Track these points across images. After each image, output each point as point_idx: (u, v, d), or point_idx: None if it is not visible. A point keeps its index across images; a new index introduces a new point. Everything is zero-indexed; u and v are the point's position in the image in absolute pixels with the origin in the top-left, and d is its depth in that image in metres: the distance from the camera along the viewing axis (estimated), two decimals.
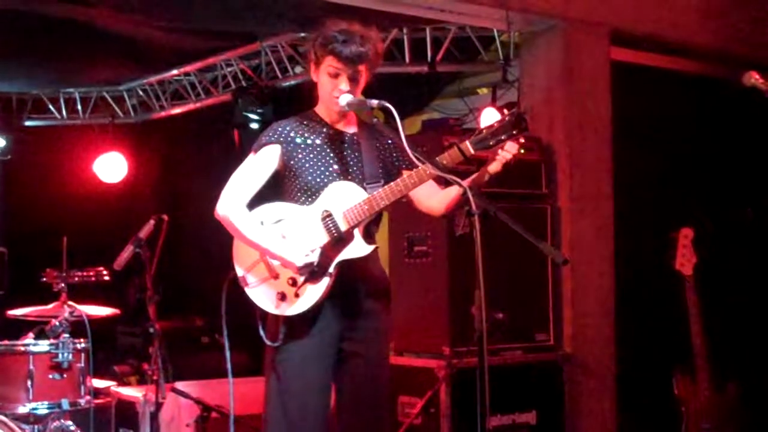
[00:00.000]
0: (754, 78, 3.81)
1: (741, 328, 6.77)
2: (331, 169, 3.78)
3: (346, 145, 3.84)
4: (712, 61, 7.10)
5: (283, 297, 3.67)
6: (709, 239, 6.15)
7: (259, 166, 3.82)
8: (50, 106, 9.50)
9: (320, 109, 3.89)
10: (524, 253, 5.62)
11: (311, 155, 3.79)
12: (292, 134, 3.82)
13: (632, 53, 6.86)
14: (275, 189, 3.87)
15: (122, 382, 7.22)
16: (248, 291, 3.74)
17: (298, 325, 3.71)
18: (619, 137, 6.49)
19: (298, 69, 7.91)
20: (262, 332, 3.75)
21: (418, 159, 3.50)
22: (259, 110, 8.07)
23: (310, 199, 3.75)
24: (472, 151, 3.54)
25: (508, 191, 5.70)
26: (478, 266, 3.21)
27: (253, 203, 3.80)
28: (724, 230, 6.99)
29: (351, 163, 3.80)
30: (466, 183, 3.42)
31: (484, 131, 3.53)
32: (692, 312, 5.85)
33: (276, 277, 3.70)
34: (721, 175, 7.20)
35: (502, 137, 3.51)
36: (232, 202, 3.76)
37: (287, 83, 8.01)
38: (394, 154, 3.90)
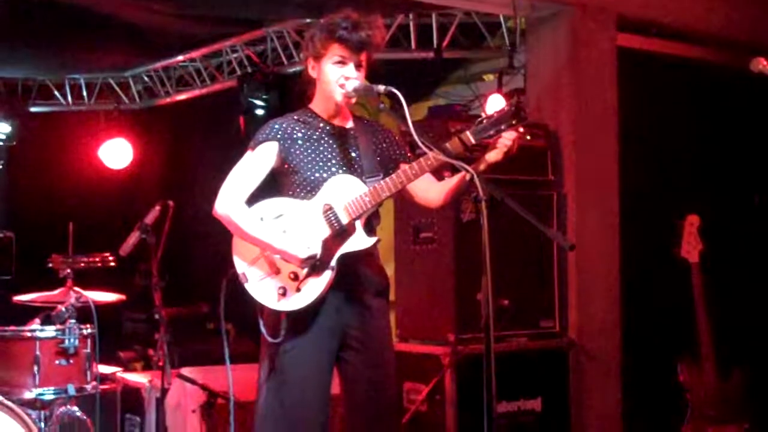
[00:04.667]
0: (762, 64, 3.81)
1: (746, 316, 6.76)
2: (330, 163, 3.77)
3: (343, 140, 3.83)
4: (719, 48, 7.08)
5: (284, 292, 3.66)
6: (715, 226, 6.15)
7: (256, 163, 3.80)
8: (55, 92, 9.50)
9: (316, 105, 3.87)
10: (529, 239, 5.64)
11: (309, 151, 3.78)
12: (289, 131, 3.80)
13: (639, 39, 6.84)
14: (273, 185, 3.86)
15: (128, 368, 7.23)
16: (248, 287, 3.71)
17: (300, 321, 3.70)
18: (625, 123, 6.48)
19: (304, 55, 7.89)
20: (263, 329, 3.74)
21: (426, 146, 3.50)
22: (264, 96, 8.07)
23: (309, 194, 3.74)
24: (473, 141, 3.57)
25: (514, 178, 5.68)
26: (485, 252, 3.21)
27: (250, 200, 3.78)
28: (731, 217, 6.98)
29: (349, 157, 3.80)
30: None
31: (484, 121, 3.57)
32: (698, 299, 5.85)
33: (277, 272, 3.69)
34: (727, 162, 7.19)
35: (502, 127, 3.54)
36: (231, 199, 3.75)
37: (293, 69, 8.00)
38: (392, 149, 3.92)
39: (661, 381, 6.13)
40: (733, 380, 5.85)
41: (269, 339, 3.72)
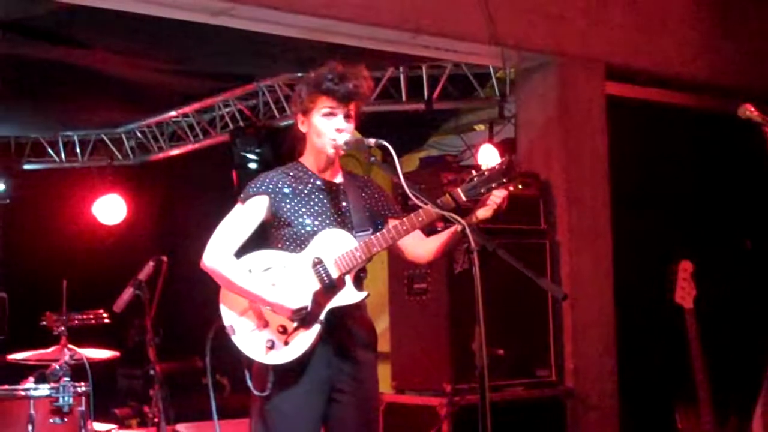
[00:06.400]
0: (749, 110, 3.83)
1: (742, 360, 6.74)
2: (320, 218, 3.77)
3: (333, 194, 3.83)
4: (707, 94, 7.14)
5: (272, 345, 3.64)
6: (708, 271, 6.15)
7: (246, 216, 3.80)
8: (49, 150, 9.54)
9: (307, 160, 3.88)
10: (524, 288, 5.61)
11: (300, 204, 3.78)
12: (279, 184, 3.80)
13: (627, 87, 6.90)
14: (261, 237, 3.86)
15: (123, 426, 7.18)
16: (235, 340, 3.69)
17: (287, 374, 3.67)
18: (616, 170, 6.51)
19: None
20: (249, 382, 3.72)
21: (417, 197, 3.52)
22: (257, 150, 8.10)
23: (299, 248, 3.73)
24: (464, 198, 3.60)
25: (507, 227, 5.69)
26: (478, 303, 3.21)
27: (238, 252, 3.77)
28: (723, 262, 6.99)
29: (339, 211, 3.80)
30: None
31: (476, 179, 3.60)
32: (693, 345, 5.84)
33: (265, 325, 3.67)
34: (719, 207, 7.21)
35: (493, 185, 3.59)
36: (219, 252, 3.74)
37: (285, 122, 8.04)
38: (380, 204, 3.92)
39: (659, 427, 6.10)
40: (730, 426, 5.82)
41: (256, 393, 3.71)
